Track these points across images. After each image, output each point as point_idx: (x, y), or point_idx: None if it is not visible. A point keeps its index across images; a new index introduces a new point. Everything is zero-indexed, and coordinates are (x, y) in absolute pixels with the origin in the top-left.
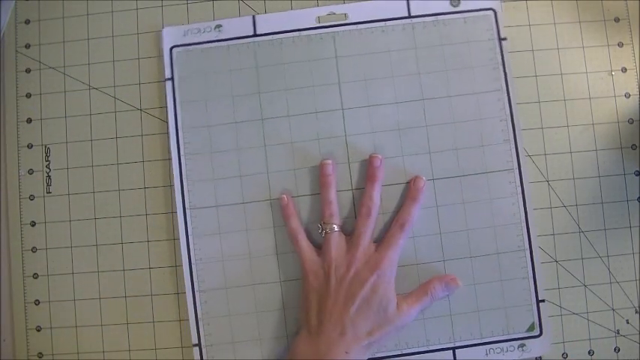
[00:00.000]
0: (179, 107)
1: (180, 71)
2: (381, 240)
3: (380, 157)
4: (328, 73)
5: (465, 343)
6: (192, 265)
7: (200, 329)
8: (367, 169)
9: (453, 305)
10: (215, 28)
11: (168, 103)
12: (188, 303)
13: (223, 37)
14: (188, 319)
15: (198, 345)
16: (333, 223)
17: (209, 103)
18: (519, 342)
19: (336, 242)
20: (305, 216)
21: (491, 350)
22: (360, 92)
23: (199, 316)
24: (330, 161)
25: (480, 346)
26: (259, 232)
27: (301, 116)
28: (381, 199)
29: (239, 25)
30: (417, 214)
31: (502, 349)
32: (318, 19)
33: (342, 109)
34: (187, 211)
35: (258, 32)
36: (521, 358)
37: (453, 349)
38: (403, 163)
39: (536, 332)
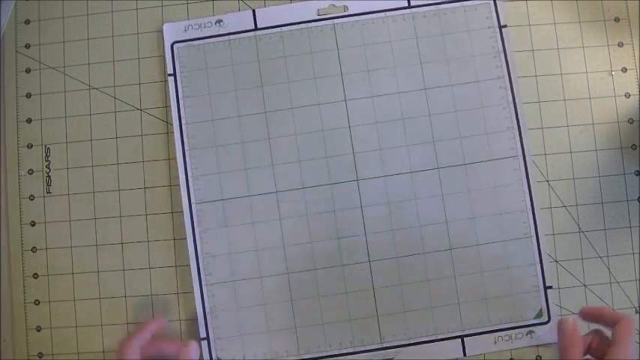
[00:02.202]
0: (182, 102)
1: (182, 67)
2: None
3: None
4: (330, 65)
5: (474, 331)
6: (200, 260)
7: (208, 323)
8: None
9: (461, 293)
10: (216, 23)
11: (172, 99)
12: (196, 297)
13: (224, 32)
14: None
15: (207, 339)
16: None
17: (212, 97)
18: (527, 329)
19: None
20: (310, 208)
21: (500, 338)
22: (363, 83)
23: (207, 310)
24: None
25: (488, 334)
26: (265, 225)
27: (305, 108)
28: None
29: (240, 20)
30: None
31: (510, 337)
32: (318, 11)
33: (345, 100)
34: (193, 206)
35: (259, 26)
36: (529, 345)
37: (462, 337)
38: (407, 153)
39: (544, 319)
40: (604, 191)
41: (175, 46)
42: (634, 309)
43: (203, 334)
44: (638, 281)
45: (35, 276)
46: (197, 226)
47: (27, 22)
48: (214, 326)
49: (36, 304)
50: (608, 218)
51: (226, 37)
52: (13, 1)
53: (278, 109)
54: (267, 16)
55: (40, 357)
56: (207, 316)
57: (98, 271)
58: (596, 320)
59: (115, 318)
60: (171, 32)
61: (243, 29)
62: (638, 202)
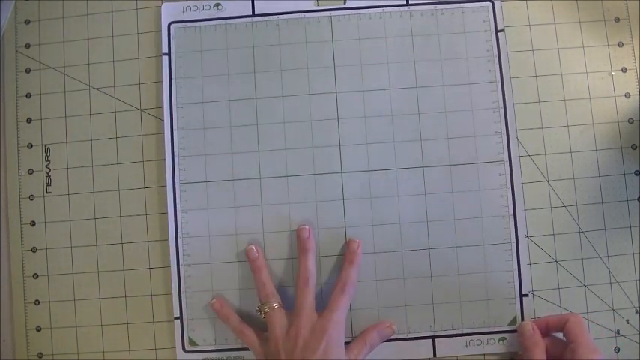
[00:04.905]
0: (174, 83)
1: (177, 47)
2: (325, 305)
3: (307, 227)
4: (324, 56)
5: (445, 332)
6: (179, 239)
7: (182, 302)
8: (297, 242)
9: (436, 294)
10: (214, 6)
11: (164, 79)
12: (172, 276)
13: (221, 16)
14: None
15: (180, 318)
16: (271, 302)
17: (204, 79)
18: (500, 335)
19: (279, 318)
20: (293, 197)
21: (472, 342)
22: (355, 77)
23: (182, 289)
24: (253, 246)
25: (460, 337)
26: (247, 210)
27: (295, 97)
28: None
29: (238, 5)
30: (357, 275)
31: (482, 342)
32: (317, 2)
33: (336, 93)
34: (177, 185)
35: (256, 12)
36: (500, 351)
37: (433, 337)
38: (394, 150)
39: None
40: (604, 191)
41: (172, 26)
42: (634, 309)
43: (177, 313)
44: (638, 281)
45: (35, 276)
46: (179, 205)
47: (27, 22)
48: (188, 306)
49: (36, 304)
50: (608, 218)
51: (223, 21)
52: (13, 1)
53: (268, 97)
54: (265, 3)
55: (40, 357)
56: (182, 295)
57: (98, 271)
58: (545, 331)
59: (115, 318)
60: (169, 12)
61: (241, 15)
62: (638, 202)
